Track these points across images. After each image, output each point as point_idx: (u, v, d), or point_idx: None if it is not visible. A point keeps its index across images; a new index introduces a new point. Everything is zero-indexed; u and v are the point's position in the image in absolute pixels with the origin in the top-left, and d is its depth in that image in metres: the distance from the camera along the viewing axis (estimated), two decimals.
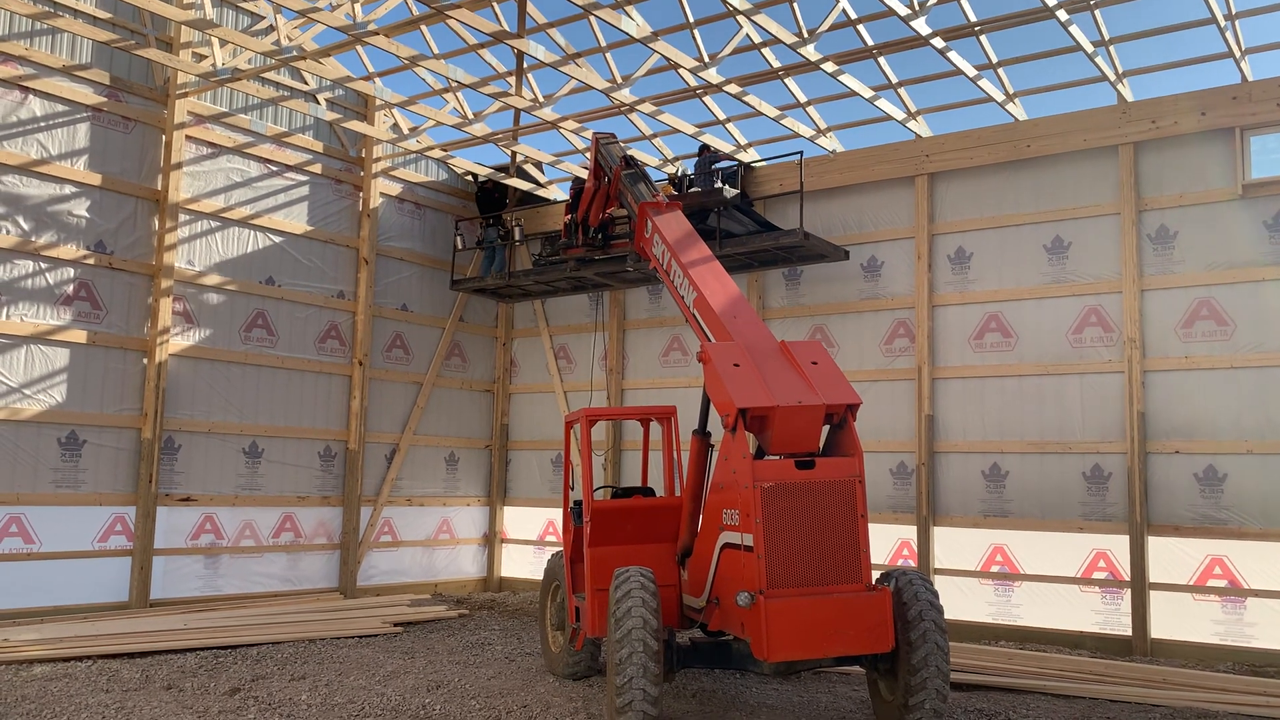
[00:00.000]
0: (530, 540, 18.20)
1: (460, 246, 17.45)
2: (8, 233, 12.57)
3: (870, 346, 14.82)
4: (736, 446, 7.95)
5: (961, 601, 13.51)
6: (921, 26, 11.78)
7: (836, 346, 15.05)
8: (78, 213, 13.26)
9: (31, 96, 12.89)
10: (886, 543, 14.24)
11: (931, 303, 14.28)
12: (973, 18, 12.73)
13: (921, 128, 14.73)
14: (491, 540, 18.43)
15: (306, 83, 15.64)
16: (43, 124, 12.98)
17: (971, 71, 12.98)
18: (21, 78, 12.73)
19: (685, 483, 9.44)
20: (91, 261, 13.29)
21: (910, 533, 14.12)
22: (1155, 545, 12.41)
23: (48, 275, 12.95)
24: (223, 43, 13.72)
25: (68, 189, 13.18)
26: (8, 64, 12.61)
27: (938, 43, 12.23)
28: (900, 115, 14.25)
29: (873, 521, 13.42)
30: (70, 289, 13.14)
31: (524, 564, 18.21)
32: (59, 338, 12.97)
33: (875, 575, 8.90)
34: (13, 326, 12.56)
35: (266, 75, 14.74)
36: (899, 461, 14.36)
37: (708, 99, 15.21)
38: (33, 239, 12.81)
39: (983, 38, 13.20)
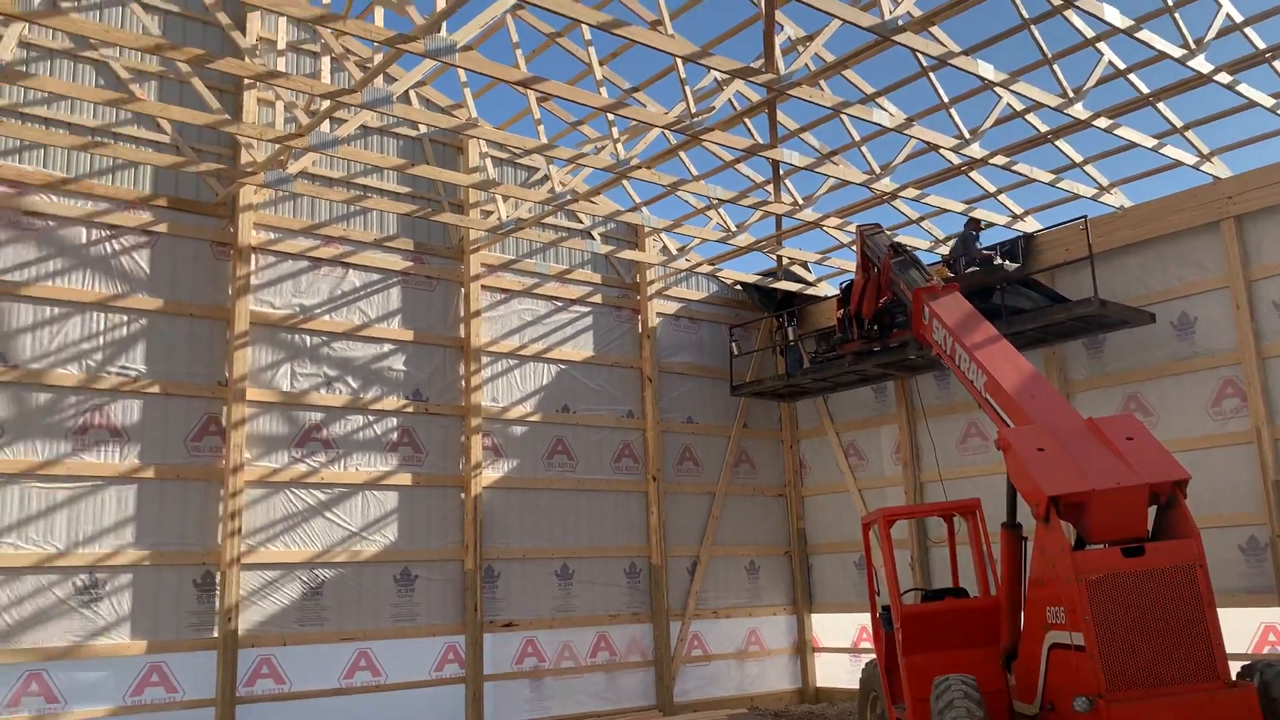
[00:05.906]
0: (844, 648, 17.64)
1: (736, 353, 17.72)
2: (340, 392, 14.10)
3: (1194, 412, 13.46)
4: (1052, 538, 7.44)
5: None
6: (1201, 64, 10.96)
7: (1154, 416, 13.79)
8: (396, 367, 14.68)
9: (350, 270, 14.56)
10: (1245, 630, 12.61)
11: (1261, 355, 12.84)
12: (1260, 45, 11.69)
13: (1219, 169, 13.54)
14: (802, 649, 18.05)
15: (581, 221, 16.69)
16: (361, 293, 14.59)
17: (1269, 101, 11.85)
18: (342, 255, 14.42)
19: (1000, 580, 8.88)
20: (410, 409, 14.61)
21: (1273, 615, 12.45)
22: None
23: (375, 426, 14.34)
24: (505, 198, 14.96)
25: (386, 347, 14.65)
26: (330, 245, 14.34)
27: (1223, 78, 11.30)
28: (1191, 159, 13.20)
29: (1223, 606, 11.95)
30: (395, 436, 14.47)
31: (840, 672, 17.63)
32: (389, 482, 14.25)
33: (1235, 668, 7.90)
34: (350, 476, 13.94)
35: (545, 221, 15.87)
36: (1248, 536, 12.80)
37: (974, 174, 14.78)
38: (360, 395, 14.28)
39: (1276, 63, 12.05)
